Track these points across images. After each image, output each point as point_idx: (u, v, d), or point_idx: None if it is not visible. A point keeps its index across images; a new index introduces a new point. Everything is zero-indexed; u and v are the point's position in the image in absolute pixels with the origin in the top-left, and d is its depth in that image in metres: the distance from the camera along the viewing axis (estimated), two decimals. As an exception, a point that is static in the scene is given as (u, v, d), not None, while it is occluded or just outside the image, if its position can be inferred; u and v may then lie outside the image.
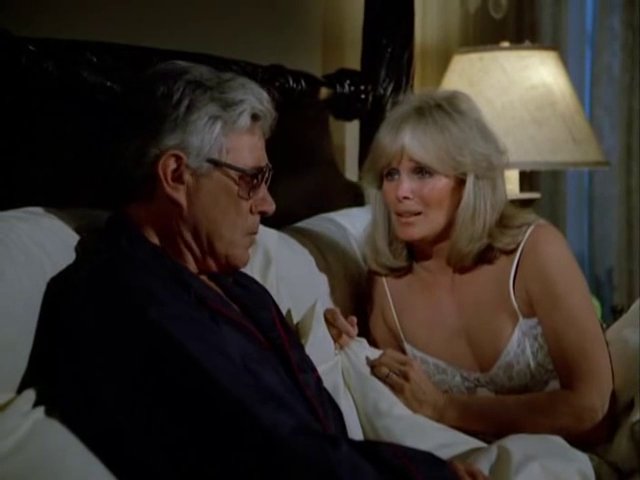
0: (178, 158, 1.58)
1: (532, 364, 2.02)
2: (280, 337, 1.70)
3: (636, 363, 1.95)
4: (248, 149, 1.63)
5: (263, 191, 1.67)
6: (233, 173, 1.61)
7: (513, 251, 2.02)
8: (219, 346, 1.48)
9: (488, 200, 2.00)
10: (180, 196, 1.59)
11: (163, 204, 1.60)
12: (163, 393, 1.42)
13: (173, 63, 1.65)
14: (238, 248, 1.66)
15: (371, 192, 2.10)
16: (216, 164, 1.60)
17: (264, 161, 1.66)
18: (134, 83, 1.67)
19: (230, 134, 1.60)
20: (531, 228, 2.03)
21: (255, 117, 1.63)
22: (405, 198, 1.99)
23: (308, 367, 1.75)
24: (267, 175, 1.66)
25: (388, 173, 2.03)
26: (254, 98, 1.62)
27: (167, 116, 1.57)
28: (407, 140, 1.97)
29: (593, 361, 1.95)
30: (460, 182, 2.00)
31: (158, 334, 1.44)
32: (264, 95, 1.64)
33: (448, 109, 1.99)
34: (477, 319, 2.05)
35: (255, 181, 1.63)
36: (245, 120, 1.61)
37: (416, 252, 2.12)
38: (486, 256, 2.04)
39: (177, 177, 1.59)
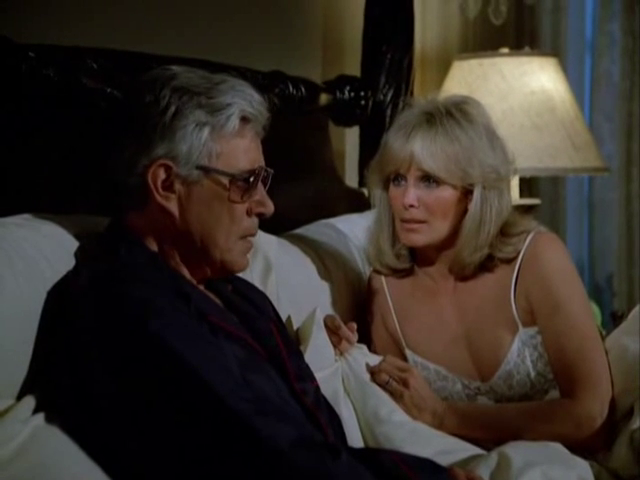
0: (167, 167, 1.56)
1: (532, 373, 2.02)
2: (278, 347, 1.70)
3: (635, 370, 1.94)
4: (240, 152, 1.61)
5: (260, 193, 1.64)
6: (223, 178, 1.59)
7: (513, 259, 2.02)
8: (218, 358, 1.48)
9: (494, 210, 2.00)
10: (172, 205, 1.58)
11: (156, 213, 1.59)
12: (162, 404, 1.42)
13: (164, 69, 1.63)
14: (234, 253, 1.64)
15: (376, 193, 2.10)
16: (205, 170, 1.58)
17: (258, 163, 1.63)
18: (127, 90, 1.67)
19: (219, 139, 1.58)
20: (531, 236, 2.03)
21: (245, 119, 1.61)
22: (411, 206, 1.99)
23: (307, 376, 1.74)
24: (262, 176, 1.63)
25: (395, 178, 2.02)
26: (243, 100, 1.60)
27: (155, 125, 1.55)
28: (417, 149, 1.96)
29: (592, 368, 1.95)
30: (467, 192, 2.00)
31: (158, 345, 1.43)
32: (255, 96, 1.62)
33: (458, 117, 1.99)
34: (478, 327, 2.05)
35: (248, 184, 1.61)
36: (233, 123, 1.59)
37: (418, 256, 2.12)
38: (487, 265, 2.04)
39: (168, 186, 1.57)
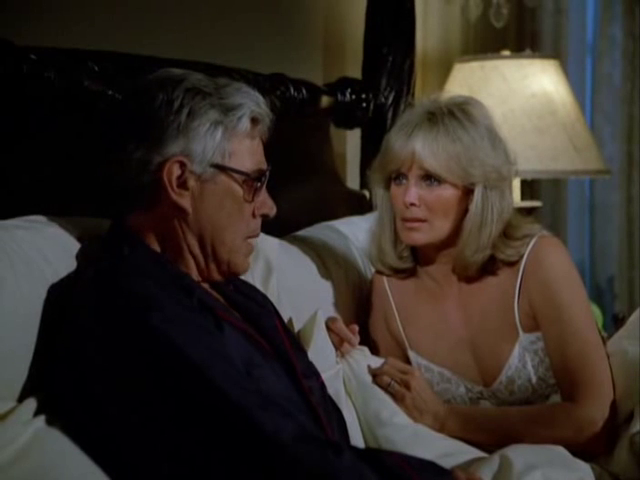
0: (182, 164, 1.58)
1: (533, 379, 2.01)
2: (283, 343, 1.70)
3: (636, 374, 1.94)
4: (249, 153, 1.63)
5: (264, 194, 1.67)
6: (237, 177, 1.62)
7: (516, 263, 2.02)
8: (221, 351, 1.48)
9: (495, 210, 1.99)
10: (185, 202, 1.60)
11: (168, 211, 1.60)
12: (164, 399, 1.42)
13: (168, 71, 1.66)
14: (239, 254, 1.66)
15: (378, 192, 2.10)
16: (220, 168, 1.60)
17: (264, 164, 1.66)
18: (132, 91, 1.68)
19: (232, 138, 1.61)
20: (534, 240, 2.02)
21: (254, 120, 1.64)
22: (412, 205, 1.99)
23: (312, 373, 1.75)
24: (266, 178, 1.66)
25: (396, 177, 2.02)
26: (252, 101, 1.63)
27: (169, 124, 1.57)
28: (418, 148, 1.97)
29: (594, 372, 1.95)
30: (468, 192, 2.00)
31: (160, 340, 1.44)
32: (261, 98, 1.65)
33: (460, 117, 1.99)
34: (481, 332, 2.05)
35: (258, 184, 1.64)
36: (245, 124, 1.62)
37: (420, 256, 2.11)
38: (489, 267, 2.04)
39: (182, 183, 1.59)
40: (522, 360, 2.01)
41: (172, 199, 1.59)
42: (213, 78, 1.65)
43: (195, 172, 1.59)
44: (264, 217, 1.69)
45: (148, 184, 1.59)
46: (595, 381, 1.94)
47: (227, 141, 1.60)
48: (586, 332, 1.98)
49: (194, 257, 1.64)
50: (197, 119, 1.58)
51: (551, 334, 1.99)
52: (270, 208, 1.68)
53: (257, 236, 1.70)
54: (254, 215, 1.66)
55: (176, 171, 1.58)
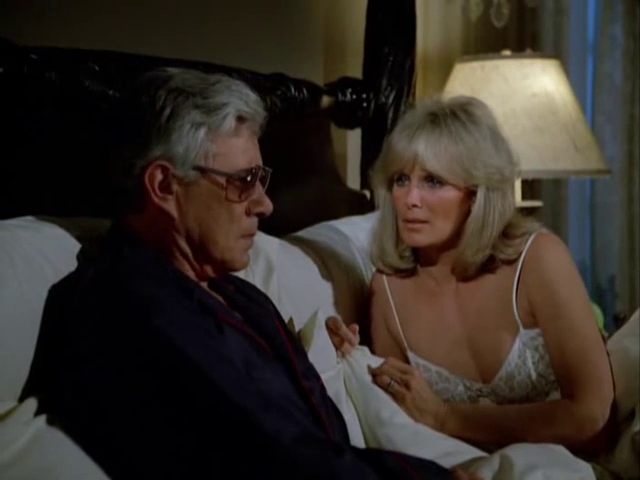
0: (164, 169, 1.57)
1: (533, 375, 2.01)
2: (284, 344, 1.70)
3: (637, 373, 1.94)
4: (237, 152, 1.61)
5: (258, 192, 1.64)
6: (220, 178, 1.59)
7: (515, 261, 2.02)
8: (221, 353, 1.48)
9: (497, 211, 1.99)
10: (170, 206, 1.59)
11: (155, 215, 1.60)
12: (164, 400, 1.42)
13: (159, 70, 1.63)
14: (234, 252, 1.64)
15: (380, 193, 2.10)
16: (202, 171, 1.58)
17: (256, 162, 1.64)
18: (125, 92, 1.67)
19: (216, 139, 1.58)
20: (532, 237, 2.02)
21: (241, 119, 1.61)
22: (414, 206, 1.99)
23: (312, 375, 1.75)
24: (260, 175, 1.63)
25: (399, 178, 2.02)
26: (239, 100, 1.60)
27: (150, 126, 1.56)
28: (421, 149, 1.96)
29: (594, 370, 1.95)
30: (470, 193, 2.00)
31: (160, 341, 1.44)
32: (250, 96, 1.62)
33: (463, 118, 1.99)
34: (480, 329, 2.05)
35: (245, 183, 1.61)
36: (229, 123, 1.59)
37: (421, 256, 2.12)
38: (488, 266, 2.04)
39: (165, 187, 1.58)
40: (522, 356, 2.01)
41: (156, 204, 1.58)
42: (205, 75, 1.62)
43: (178, 176, 1.57)
44: (260, 216, 1.66)
45: (134, 188, 1.58)
46: (595, 378, 1.94)
47: (210, 142, 1.58)
48: (585, 329, 1.98)
49: (187, 258, 1.63)
50: (178, 120, 1.56)
51: (550, 331, 1.99)
52: (266, 206, 1.65)
53: (253, 234, 1.68)
54: (248, 214, 1.64)
55: (158, 176, 1.57)
